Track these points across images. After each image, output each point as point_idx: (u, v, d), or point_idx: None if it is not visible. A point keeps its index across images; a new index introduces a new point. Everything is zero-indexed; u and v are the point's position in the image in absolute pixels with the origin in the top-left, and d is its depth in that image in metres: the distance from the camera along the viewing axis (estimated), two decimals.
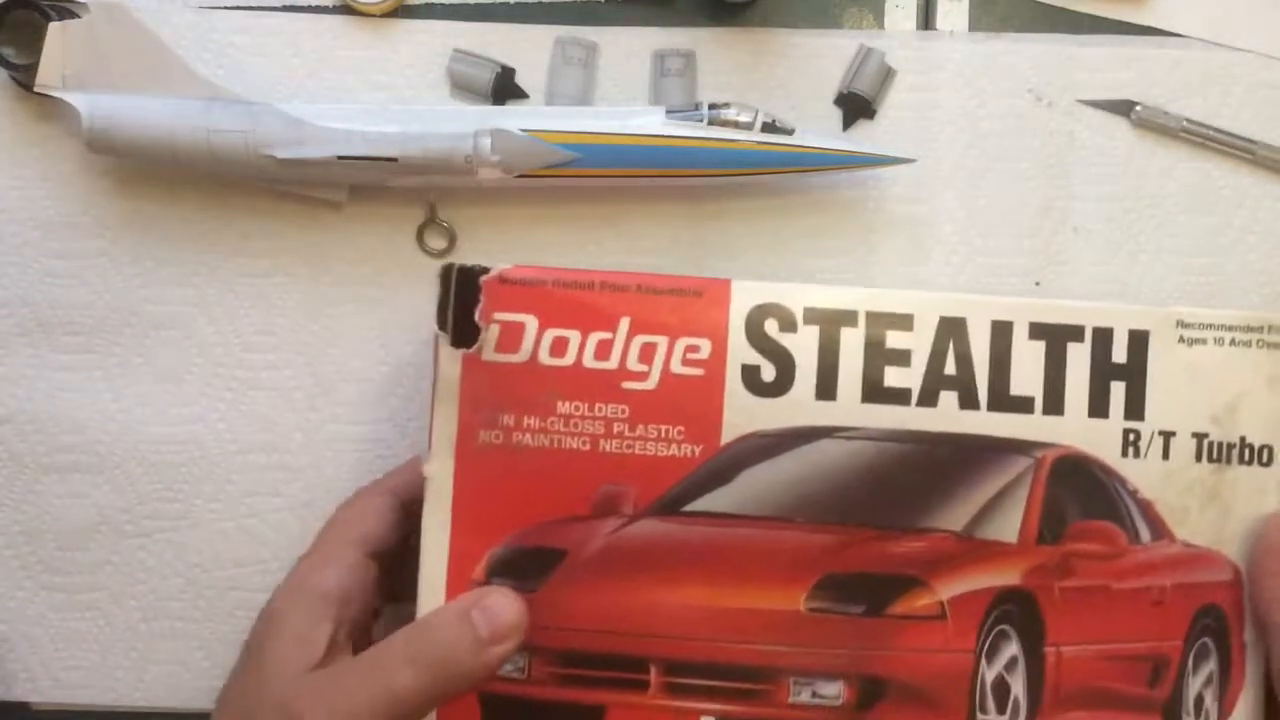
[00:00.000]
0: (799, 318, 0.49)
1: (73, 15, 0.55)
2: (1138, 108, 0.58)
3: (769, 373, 0.49)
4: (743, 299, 0.49)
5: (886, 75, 0.59)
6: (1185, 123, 0.58)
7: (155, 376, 0.59)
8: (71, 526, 0.59)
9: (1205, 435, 0.50)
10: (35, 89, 0.55)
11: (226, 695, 0.49)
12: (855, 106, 0.59)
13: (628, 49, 0.59)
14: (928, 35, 0.59)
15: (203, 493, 0.59)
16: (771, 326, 0.49)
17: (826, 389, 0.49)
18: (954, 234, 0.59)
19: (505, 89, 0.58)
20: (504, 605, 0.46)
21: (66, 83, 0.55)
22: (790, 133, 0.55)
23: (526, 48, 0.59)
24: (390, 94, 0.58)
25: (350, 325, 0.59)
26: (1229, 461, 0.50)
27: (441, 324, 0.48)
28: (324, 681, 0.46)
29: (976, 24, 0.59)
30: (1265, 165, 0.59)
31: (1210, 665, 0.50)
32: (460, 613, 0.46)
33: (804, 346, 0.49)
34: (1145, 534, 0.49)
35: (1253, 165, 0.59)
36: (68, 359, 0.59)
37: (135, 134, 0.55)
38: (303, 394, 0.59)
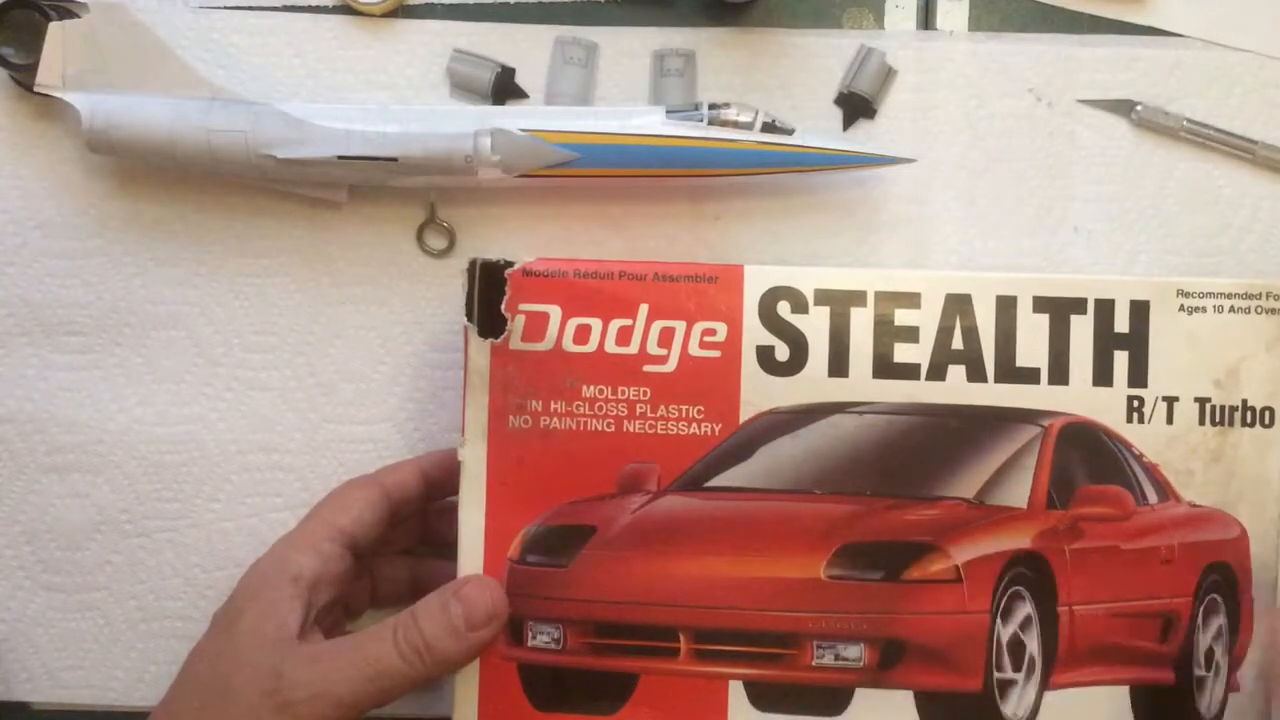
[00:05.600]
0: (810, 299, 0.51)
1: (73, 15, 0.55)
2: (1138, 108, 0.58)
3: (783, 352, 0.51)
4: (756, 283, 0.51)
5: (886, 75, 0.59)
6: (1185, 123, 0.58)
7: (155, 376, 0.59)
8: (71, 526, 0.59)
9: (1208, 399, 0.51)
10: (35, 89, 0.55)
11: (193, 663, 0.49)
12: (855, 106, 0.59)
13: (628, 49, 0.59)
14: (928, 35, 0.59)
15: (203, 493, 0.59)
16: (784, 308, 0.51)
17: (839, 366, 0.51)
18: (954, 234, 0.59)
19: (505, 89, 0.58)
20: (479, 595, 0.48)
21: (66, 83, 0.55)
22: (790, 133, 0.55)
23: (526, 48, 0.59)
24: (390, 94, 0.58)
25: (350, 325, 0.59)
26: (1231, 424, 0.51)
27: (469, 315, 0.50)
28: (313, 654, 0.47)
29: (976, 24, 0.59)
30: (1265, 165, 0.58)
31: (1219, 620, 0.52)
32: (441, 602, 0.48)
33: (816, 326, 0.51)
34: (1152, 496, 0.51)
35: (1253, 165, 0.59)
36: (68, 359, 0.59)
37: (135, 134, 0.55)
38: (303, 394, 0.59)
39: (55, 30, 0.55)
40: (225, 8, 0.59)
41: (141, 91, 0.55)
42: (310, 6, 0.59)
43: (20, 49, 0.56)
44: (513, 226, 0.59)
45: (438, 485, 0.54)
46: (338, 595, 0.50)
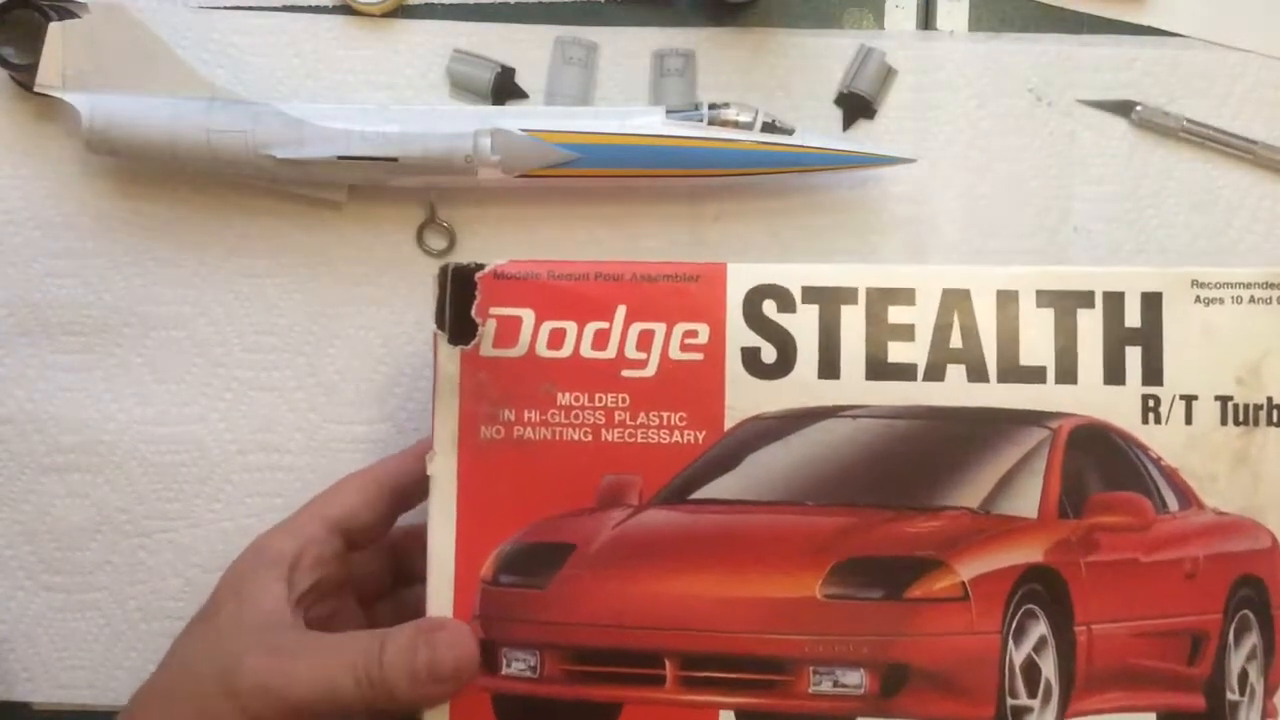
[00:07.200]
0: (797, 297, 0.48)
1: (73, 15, 0.55)
2: (1138, 108, 0.58)
3: (769, 354, 0.48)
4: (740, 281, 0.48)
5: (886, 75, 0.59)
6: (1185, 123, 0.58)
7: (155, 376, 0.59)
8: (71, 526, 0.59)
9: (1229, 397, 0.48)
10: (35, 89, 0.55)
11: (169, 653, 0.48)
12: (855, 106, 0.59)
13: (628, 49, 0.59)
14: (928, 35, 0.59)
15: (203, 493, 0.59)
16: (770, 307, 0.48)
17: (829, 368, 0.48)
18: (954, 234, 0.59)
19: (505, 89, 0.58)
20: (448, 647, 0.45)
21: (66, 83, 0.55)
22: (790, 133, 0.55)
23: (526, 48, 0.59)
24: (390, 94, 0.58)
25: (350, 325, 0.59)
26: (1256, 423, 0.48)
27: (439, 322, 0.48)
28: (275, 646, 0.45)
29: (976, 24, 0.59)
30: (1265, 165, 0.58)
31: (1252, 638, 0.48)
32: (411, 640, 0.45)
33: (804, 326, 0.48)
34: (1173, 503, 0.48)
35: (1253, 165, 0.59)
36: (68, 359, 0.59)
37: (135, 134, 0.55)
38: (303, 394, 0.59)
39: (55, 30, 0.55)
40: (225, 8, 0.59)
41: (141, 91, 0.55)
42: (310, 6, 0.59)
43: (20, 49, 0.56)
44: (513, 226, 0.59)
45: None
46: (324, 578, 0.49)
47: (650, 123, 0.55)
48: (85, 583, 0.59)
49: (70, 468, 0.59)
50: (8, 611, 0.59)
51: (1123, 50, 0.59)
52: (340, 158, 0.54)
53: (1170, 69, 0.59)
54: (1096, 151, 0.59)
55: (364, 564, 0.53)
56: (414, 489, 0.52)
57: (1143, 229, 0.59)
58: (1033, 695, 0.46)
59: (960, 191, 0.59)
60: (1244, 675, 0.48)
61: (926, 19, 0.59)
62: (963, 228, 0.59)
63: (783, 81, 0.59)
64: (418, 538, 0.51)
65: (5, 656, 0.59)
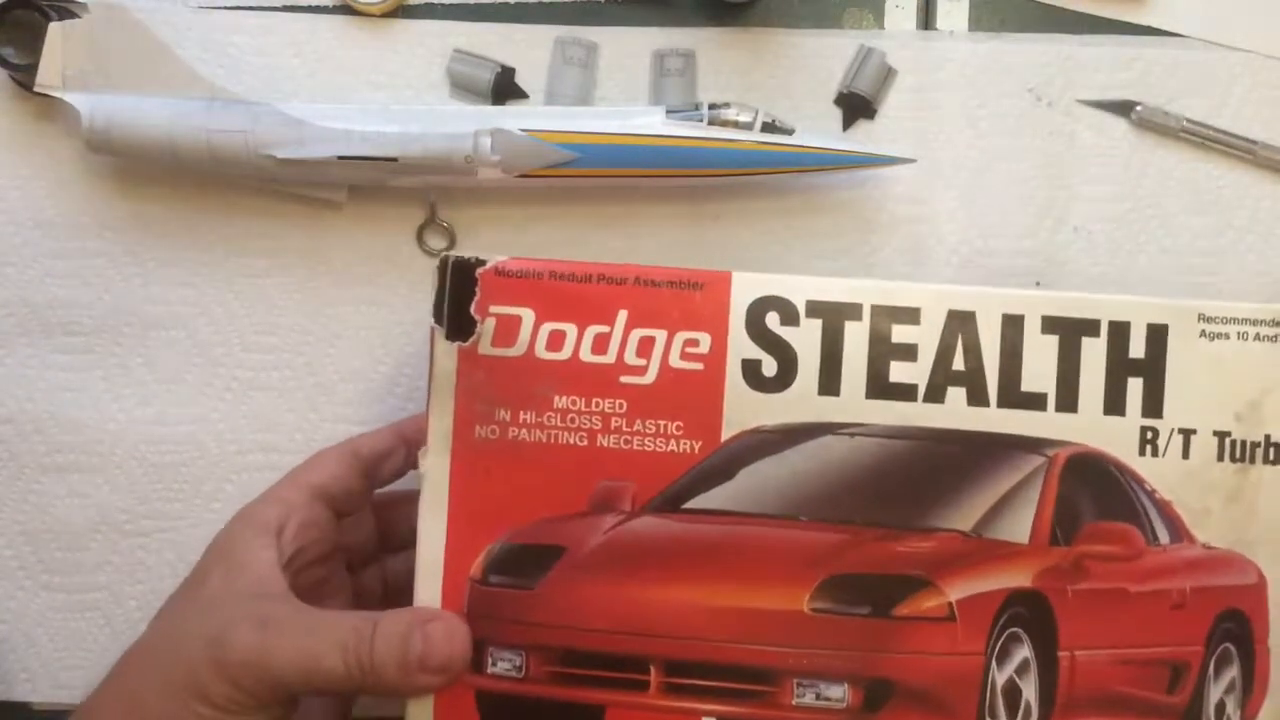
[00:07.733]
0: (801, 311, 0.48)
1: (73, 15, 0.55)
2: (1138, 108, 0.58)
3: (770, 367, 0.48)
4: (744, 291, 0.48)
5: (886, 75, 0.59)
6: (1185, 123, 0.58)
7: (155, 376, 0.59)
8: (71, 526, 0.59)
9: (1227, 433, 0.48)
10: (35, 89, 0.55)
11: (161, 614, 0.48)
12: (855, 106, 0.59)
13: (628, 49, 0.59)
14: (928, 35, 0.59)
15: (203, 493, 0.59)
16: (773, 320, 0.48)
17: (830, 384, 0.48)
18: (954, 234, 0.59)
19: (505, 89, 0.58)
20: (442, 639, 0.45)
21: (66, 83, 0.55)
22: (790, 133, 0.55)
23: (526, 48, 0.59)
24: (390, 94, 0.58)
25: (350, 325, 0.59)
26: (1253, 461, 0.48)
27: (437, 317, 0.47)
28: (264, 619, 0.45)
29: (976, 24, 0.59)
30: (1265, 165, 0.59)
31: (1232, 671, 0.49)
32: (406, 628, 0.45)
33: (806, 340, 0.48)
34: (1164, 535, 0.48)
35: (1253, 165, 0.59)
36: (68, 359, 0.59)
37: (135, 134, 0.55)
38: (303, 394, 0.59)
39: (55, 30, 0.55)
40: (225, 8, 0.59)
41: (141, 91, 0.55)
42: (310, 6, 0.59)
43: (20, 49, 0.56)
44: (513, 226, 0.59)
45: (418, 446, 0.51)
46: (310, 544, 0.49)
47: (650, 123, 0.55)
48: (85, 583, 0.59)
49: (70, 468, 0.59)
50: (8, 611, 0.59)
51: (1123, 50, 0.59)
52: (340, 158, 0.54)
53: (1170, 69, 0.59)
54: (1096, 151, 0.59)
55: (350, 531, 0.53)
56: (387, 463, 0.52)
57: (1143, 229, 0.59)
58: (1012, 716, 0.47)
59: (960, 191, 0.59)
60: (1221, 706, 0.49)
61: (926, 19, 0.59)
62: (963, 228, 0.59)
63: (783, 81, 0.59)
64: (402, 503, 0.52)
65: (5, 656, 0.59)
